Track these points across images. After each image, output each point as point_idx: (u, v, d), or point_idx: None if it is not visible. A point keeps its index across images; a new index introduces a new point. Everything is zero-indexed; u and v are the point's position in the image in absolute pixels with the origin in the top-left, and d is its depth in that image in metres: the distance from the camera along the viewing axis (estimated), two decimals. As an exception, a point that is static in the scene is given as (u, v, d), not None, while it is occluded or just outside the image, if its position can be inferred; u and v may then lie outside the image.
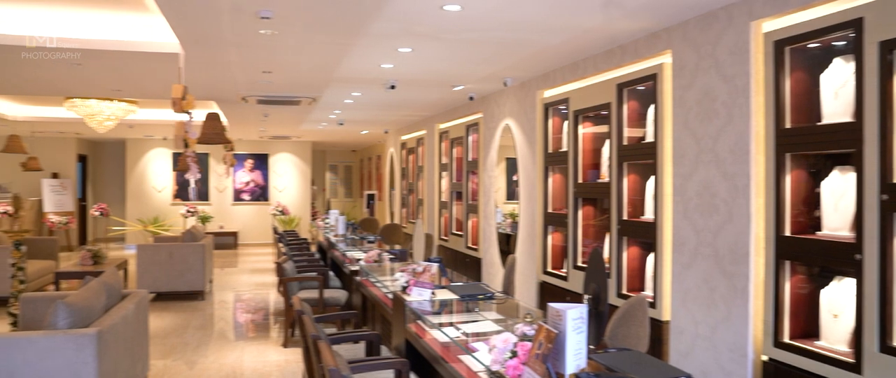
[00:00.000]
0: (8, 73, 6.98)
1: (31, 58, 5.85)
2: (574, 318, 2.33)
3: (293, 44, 5.24)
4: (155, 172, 15.89)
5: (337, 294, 6.36)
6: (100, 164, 17.01)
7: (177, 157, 15.61)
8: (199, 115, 7.01)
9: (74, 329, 3.53)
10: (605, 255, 5.07)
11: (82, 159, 15.97)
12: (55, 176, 14.73)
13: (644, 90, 4.82)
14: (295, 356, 5.82)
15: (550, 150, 6.25)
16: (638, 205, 4.89)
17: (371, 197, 16.29)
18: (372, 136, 14.78)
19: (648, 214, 4.72)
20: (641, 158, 4.78)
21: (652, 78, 4.56)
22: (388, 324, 4.35)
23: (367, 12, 4.30)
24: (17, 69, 6.63)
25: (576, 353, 2.34)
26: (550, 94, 6.27)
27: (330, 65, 6.13)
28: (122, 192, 16.04)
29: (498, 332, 2.93)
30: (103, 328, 3.59)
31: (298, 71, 6.49)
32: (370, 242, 7.76)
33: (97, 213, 14.21)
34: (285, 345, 6.19)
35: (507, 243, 7.51)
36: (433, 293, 4.02)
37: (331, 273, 7.27)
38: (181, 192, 15.89)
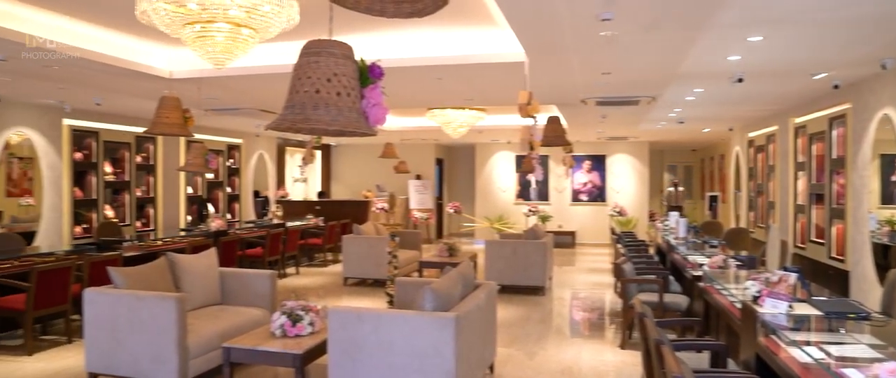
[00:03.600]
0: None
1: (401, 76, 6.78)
2: None
3: (633, 43, 5.19)
4: (500, 174, 17.17)
5: (677, 299, 6.12)
6: (453, 167, 19.01)
7: (520, 160, 16.66)
8: (541, 118, 7.39)
9: (438, 312, 4.00)
10: None
11: (439, 162, 18.01)
12: (418, 177, 16.88)
13: None
14: (632, 359, 5.76)
15: (947, 144, 5.15)
16: None
17: (713, 199, 15.32)
18: (714, 133, 13.90)
19: None
20: None
21: None
22: (734, 335, 4.04)
23: (714, 3, 4.05)
24: (395, 87, 7.76)
25: None
26: (947, 76, 5.17)
27: (671, 62, 5.93)
28: (472, 192, 17.67)
29: (878, 360, 2.51)
30: (460, 313, 3.99)
31: (638, 70, 6.41)
32: (713, 247, 7.31)
33: (451, 211, 15.92)
34: (622, 346, 6.15)
35: (884, 255, 6.40)
36: (790, 306, 3.62)
37: (670, 277, 7.02)
38: (523, 193, 16.89)
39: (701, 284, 5.32)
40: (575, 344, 6.39)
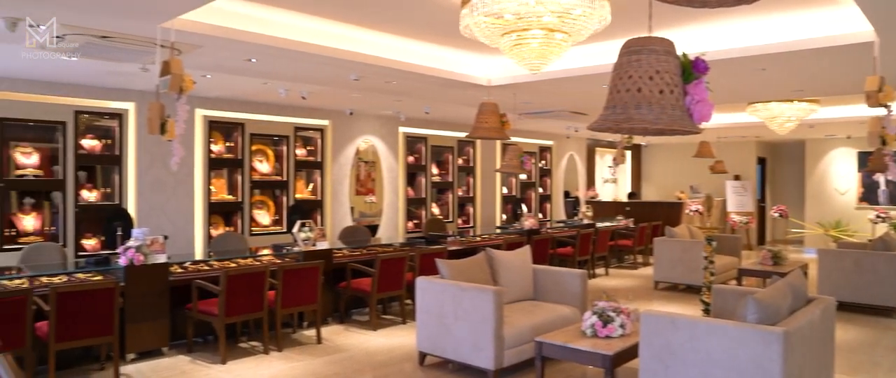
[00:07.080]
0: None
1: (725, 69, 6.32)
2: None
3: None
4: (837, 173, 15.05)
5: None
6: (778, 166, 17.16)
7: (864, 157, 14.40)
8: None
9: (762, 325, 3.64)
10: None
11: (761, 161, 16.44)
12: (737, 178, 15.62)
13: None
14: None
15: None
16: None
17: None
18: None
19: None
20: None
21: None
22: None
23: None
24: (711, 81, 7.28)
25: None
26: None
27: None
28: (801, 194, 15.77)
29: None
30: (790, 329, 3.58)
31: None
32: None
33: (776, 215, 14.43)
34: None
35: None
36: None
37: None
38: (868, 195, 14.58)
39: None
40: (941, 379, 5.31)
